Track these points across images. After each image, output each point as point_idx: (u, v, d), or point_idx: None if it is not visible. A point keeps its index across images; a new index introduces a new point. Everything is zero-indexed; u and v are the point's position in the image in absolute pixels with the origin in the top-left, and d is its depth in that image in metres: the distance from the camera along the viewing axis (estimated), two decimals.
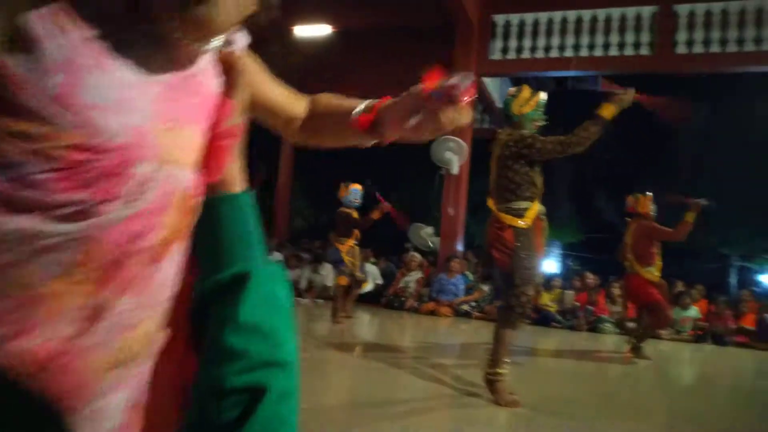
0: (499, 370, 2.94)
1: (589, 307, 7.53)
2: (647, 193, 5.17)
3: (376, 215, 6.01)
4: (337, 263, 6.09)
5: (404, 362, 3.98)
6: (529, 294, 2.90)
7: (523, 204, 2.99)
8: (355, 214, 6.03)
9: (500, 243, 2.99)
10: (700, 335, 6.93)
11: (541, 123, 3.14)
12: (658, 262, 5.10)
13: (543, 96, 3.14)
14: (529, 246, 2.94)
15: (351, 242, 6.08)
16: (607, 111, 2.90)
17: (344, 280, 6.07)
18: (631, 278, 5.15)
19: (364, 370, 3.67)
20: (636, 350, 5.12)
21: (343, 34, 9.50)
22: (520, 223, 2.96)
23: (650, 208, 5.11)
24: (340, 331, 5.55)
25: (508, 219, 2.99)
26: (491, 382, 2.95)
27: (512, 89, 3.20)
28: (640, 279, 5.06)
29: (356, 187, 6.03)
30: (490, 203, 3.12)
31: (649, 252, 5.05)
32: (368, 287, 8.73)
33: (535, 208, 3.01)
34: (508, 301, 2.92)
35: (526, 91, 3.12)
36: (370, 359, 4.04)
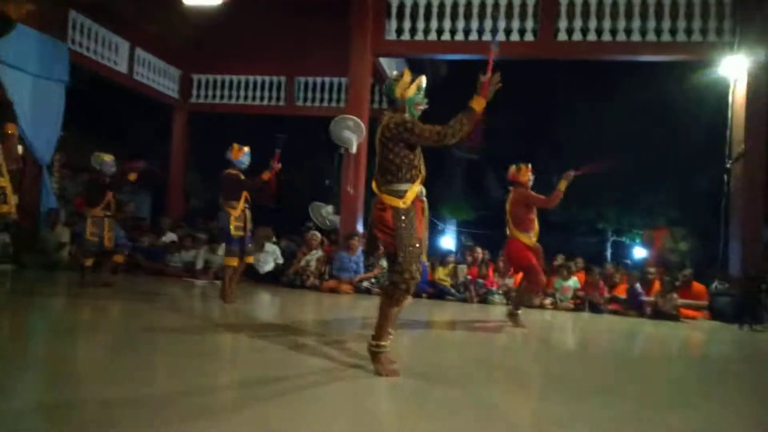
0: (382, 342, 3.08)
1: (480, 281, 7.98)
2: (528, 164, 5.55)
3: (266, 176, 5.85)
4: (230, 241, 5.85)
5: (301, 340, 4.03)
6: (413, 271, 3.00)
7: (403, 186, 3.08)
8: (242, 176, 5.86)
9: (382, 224, 3.10)
10: (579, 304, 7.56)
11: (423, 106, 3.24)
12: (536, 227, 5.49)
13: (423, 80, 3.24)
14: (409, 225, 3.05)
15: (241, 205, 5.85)
16: (476, 103, 3.07)
17: (234, 261, 5.88)
18: (510, 242, 5.52)
19: (257, 351, 3.66)
20: (512, 317, 5.47)
21: (236, 3, 9.18)
22: (401, 204, 3.06)
23: (529, 178, 5.50)
24: (237, 312, 5.49)
25: (389, 200, 3.08)
26: (374, 354, 3.09)
27: (395, 73, 3.29)
28: (517, 243, 5.43)
29: (248, 150, 5.91)
30: (374, 185, 3.21)
31: (526, 218, 5.42)
32: (268, 267, 8.67)
33: (415, 189, 3.11)
34: (392, 278, 3.04)
35: (407, 75, 3.21)
36: (268, 339, 4.05)
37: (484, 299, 7.73)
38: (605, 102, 15.67)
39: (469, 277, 8.07)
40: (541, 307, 7.50)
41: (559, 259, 8.28)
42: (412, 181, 3.10)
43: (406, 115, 3.13)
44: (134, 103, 12.26)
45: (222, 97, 11.78)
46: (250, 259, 6.18)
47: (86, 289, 6.23)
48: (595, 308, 7.45)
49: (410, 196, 3.08)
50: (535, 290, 5.78)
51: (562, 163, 7.89)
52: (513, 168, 5.58)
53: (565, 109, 16.76)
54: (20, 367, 2.98)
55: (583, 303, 7.56)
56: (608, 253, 18.96)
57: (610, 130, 15.15)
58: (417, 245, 3.05)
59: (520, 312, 5.54)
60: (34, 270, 7.93)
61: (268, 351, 3.64)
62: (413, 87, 3.17)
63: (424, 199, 3.24)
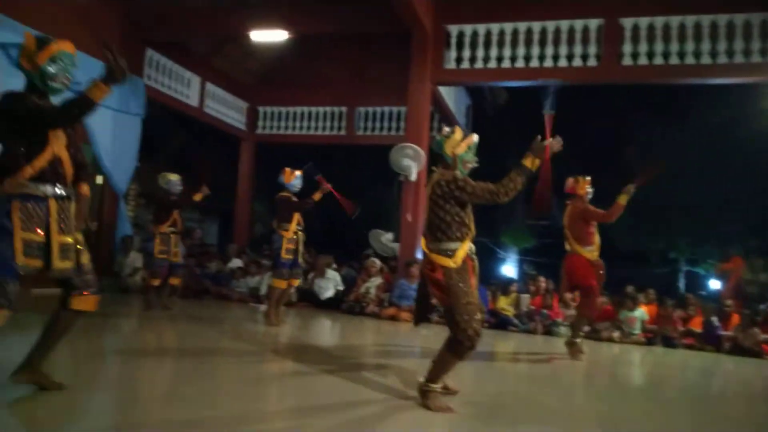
0: (433, 385, 3.03)
1: (544, 311, 7.72)
2: (586, 176, 5.37)
3: (317, 196, 6.12)
4: (280, 264, 6.07)
5: (359, 368, 4.01)
6: (475, 328, 2.92)
7: (453, 245, 3.03)
8: (294, 198, 6.10)
9: (433, 284, 3.05)
10: (650, 338, 7.18)
11: (472, 165, 3.21)
12: (597, 241, 5.27)
13: (475, 138, 3.21)
14: (463, 280, 2.99)
15: (293, 227, 6.07)
16: (530, 162, 3.03)
17: (282, 284, 6.09)
18: (570, 258, 5.29)
19: (314, 377, 3.67)
20: (570, 346, 5.25)
21: (300, 39, 9.58)
22: (451, 263, 3.00)
23: (587, 191, 5.31)
24: (296, 338, 5.54)
25: (439, 259, 3.02)
26: (424, 392, 3.03)
27: (445, 129, 3.25)
28: (578, 258, 5.21)
29: (300, 173, 6.20)
30: (422, 242, 3.17)
31: (585, 232, 5.21)
32: (328, 293, 8.76)
33: (465, 247, 3.06)
34: (456, 336, 2.95)
35: (459, 132, 3.18)
36: (326, 366, 4.06)
37: (549, 331, 7.46)
38: (676, 126, 15.08)
39: (533, 307, 7.84)
40: (610, 340, 7.16)
41: (630, 290, 7.91)
42: (461, 239, 3.05)
43: (457, 173, 3.10)
44: (204, 135, 12.84)
45: (286, 127, 12.16)
46: (296, 282, 6.43)
47: (152, 312, 6.52)
48: (668, 342, 7.05)
49: (461, 254, 3.03)
50: (590, 314, 5.49)
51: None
52: (571, 180, 5.41)
53: (633, 135, 16.23)
54: (93, 389, 3.12)
55: (655, 336, 7.17)
56: (681, 284, 18.02)
57: (681, 156, 14.53)
58: (473, 301, 2.99)
59: (578, 341, 5.29)
60: (110, 293, 8.32)
61: (326, 378, 3.64)
62: (463, 145, 3.15)
63: (474, 257, 3.18)
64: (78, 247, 2.71)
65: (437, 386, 3.03)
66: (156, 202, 7.07)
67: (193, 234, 11.03)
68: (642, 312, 7.41)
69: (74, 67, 2.71)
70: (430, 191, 3.12)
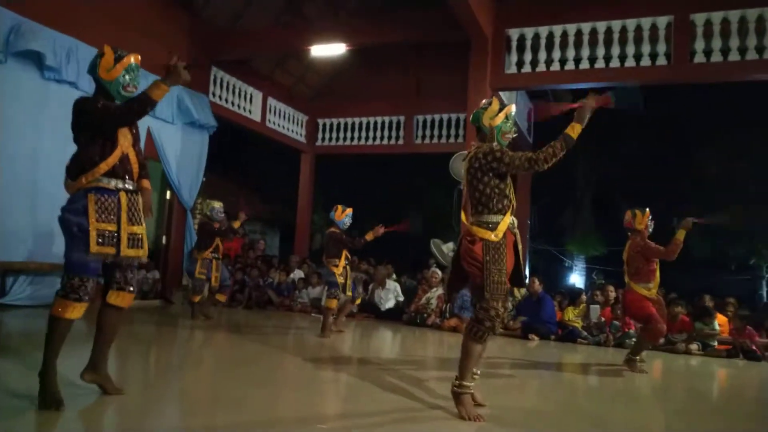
0: (465, 383, 2.96)
1: (615, 323, 7.38)
2: (646, 209, 5.15)
3: (369, 237, 6.28)
4: (332, 285, 6.28)
5: (416, 379, 3.95)
6: (499, 308, 2.86)
7: (494, 218, 2.97)
8: (344, 236, 6.30)
9: (470, 257, 2.98)
10: (731, 350, 6.73)
11: (511, 135, 3.14)
12: (656, 278, 5.07)
13: (513, 108, 3.15)
14: (499, 260, 2.91)
15: (342, 263, 6.32)
16: (572, 129, 2.90)
17: (334, 303, 6.26)
18: (627, 293, 5.16)
19: (368, 386, 3.64)
20: (629, 363, 5.08)
21: (357, 51, 9.68)
22: (492, 236, 2.93)
23: (646, 224, 5.09)
24: (357, 348, 5.53)
25: (480, 232, 2.96)
26: (457, 395, 2.96)
27: (484, 101, 3.20)
28: (635, 294, 5.05)
29: (350, 212, 6.38)
30: (462, 216, 3.12)
31: (646, 269, 5.02)
32: (389, 304, 8.74)
33: (507, 220, 2.98)
34: (477, 314, 2.91)
35: (496, 103, 3.12)
36: (381, 376, 4.02)
37: (620, 343, 7.11)
38: (754, 128, 14.18)
39: (603, 318, 7.50)
40: (687, 352, 6.76)
41: (707, 300, 7.45)
42: (503, 212, 2.98)
43: (494, 144, 3.03)
44: (266, 148, 13.16)
45: (344, 139, 12.29)
46: (357, 301, 6.80)
47: (197, 321, 6.81)
48: (751, 355, 6.58)
49: (502, 228, 2.95)
50: (655, 340, 5.28)
51: (704, 195, 7.25)
52: (629, 214, 5.20)
53: (707, 136, 15.39)
54: (156, 396, 3.20)
55: (736, 349, 6.71)
56: (764, 292, 16.87)
57: (760, 159, 13.66)
58: (505, 282, 2.91)
59: (638, 358, 5.09)
60: (179, 305, 8.62)
61: (378, 387, 3.59)
62: (501, 115, 3.09)
63: (516, 231, 3.09)
64: (142, 240, 2.89)
65: (469, 384, 2.97)
66: (199, 229, 7.33)
67: (257, 246, 11.29)
68: (715, 325, 6.97)
69: (140, 77, 2.99)
70: (468, 164, 3.07)
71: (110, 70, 2.86)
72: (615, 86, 3.48)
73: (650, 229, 5.12)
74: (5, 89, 6.40)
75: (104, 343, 2.91)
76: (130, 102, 2.77)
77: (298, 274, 9.82)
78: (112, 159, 2.77)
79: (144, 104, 2.73)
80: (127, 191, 2.84)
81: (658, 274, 5.09)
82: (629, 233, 5.21)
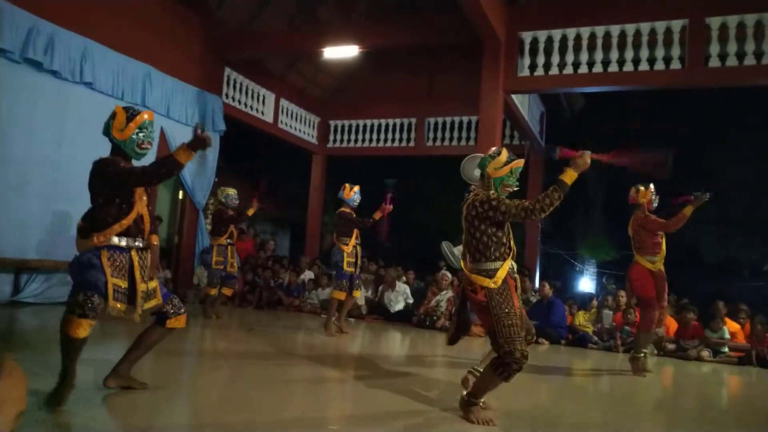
0: (475, 400, 3.01)
1: (626, 328, 7.33)
2: (649, 184, 5.27)
3: (377, 216, 6.31)
4: (340, 276, 6.25)
5: (424, 380, 3.94)
6: (521, 349, 2.85)
7: (492, 264, 2.96)
8: (354, 215, 6.30)
9: (478, 307, 3.00)
10: (743, 357, 6.66)
11: (512, 189, 3.13)
12: (662, 251, 5.18)
13: (519, 164, 3.10)
14: (505, 302, 2.91)
15: (353, 242, 6.29)
16: (568, 176, 2.87)
17: (342, 295, 6.27)
18: (633, 267, 5.28)
19: (375, 388, 3.65)
20: (633, 361, 5.14)
21: (369, 53, 9.70)
22: (491, 284, 2.93)
23: (649, 199, 5.23)
24: (365, 350, 5.53)
25: (479, 280, 2.97)
26: (466, 406, 3.00)
27: (493, 149, 3.17)
28: (640, 268, 5.20)
29: (358, 189, 6.41)
30: (462, 264, 3.11)
31: (650, 241, 5.17)
32: (398, 306, 8.73)
33: (506, 267, 2.98)
34: (504, 359, 2.88)
35: (504, 155, 3.09)
36: (387, 378, 4.02)
37: (630, 348, 7.05)
38: None
39: (614, 323, 7.45)
40: (698, 359, 6.70)
41: (721, 307, 7.37)
42: (502, 258, 2.98)
43: (491, 192, 3.03)
44: (277, 149, 13.21)
45: (356, 140, 12.32)
46: (357, 294, 6.59)
47: (208, 321, 6.82)
48: (764, 363, 6.50)
49: (501, 274, 2.95)
50: (647, 327, 5.27)
51: (717, 200, 7.17)
52: (633, 189, 5.37)
53: (722, 140, 15.22)
54: (169, 391, 3.24)
55: (750, 356, 6.63)
56: None
57: None
58: (516, 321, 2.90)
59: (641, 356, 5.13)
60: (190, 304, 8.67)
61: (388, 390, 3.59)
62: (506, 169, 3.06)
63: (516, 275, 3.11)
64: (156, 290, 3.00)
65: (479, 401, 3.02)
66: (214, 216, 7.40)
67: (267, 246, 11.33)
68: (725, 332, 6.91)
69: (153, 133, 3.03)
70: (465, 212, 3.07)
71: (123, 129, 2.87)
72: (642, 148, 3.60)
73: (655, 204, 5.26)
74: (22, 91, 6.48)
75: (138, 355, 3.04)
76: (157, 165, 2.80)
77: (308, 275, 9.85)
78: (127, 221, 2.82)
79: (170, 168, 2.78)
80: (137, 249, 2.90)
81: (664, 247, 5.21)
82: (634, 208, 5.35)
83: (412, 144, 11.79)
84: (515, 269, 3.10)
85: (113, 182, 2.79)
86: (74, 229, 2.85)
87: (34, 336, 5.15)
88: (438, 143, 11.53)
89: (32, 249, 6.66)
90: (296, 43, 9.65)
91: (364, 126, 12.23)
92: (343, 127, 12.51)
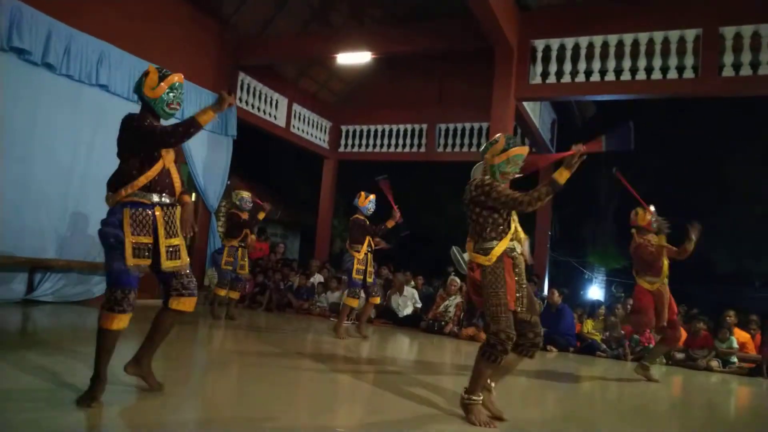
0: (474, 397, 3.03)
1: (635, 336, 7.31)
2: (650, 207, 5.34)
3: (390, 224, 6.38)
4: (353, 284, 6.36)
5: (433, 386, 3.96)
6: (506, 330, 2.91)
7: (487, 244, 3.05)
8: (368, 222, 6.39)
9: (473, 284, 3.11)
10: (753, 368, 6.61)
11: (511, 176, 3.20)
12: (664, 271, 5.25)
13: (518, 151, 3.14)
14: (495, 282, 2.98)
15: (365, 249, 6.38)
16: (560, 174, 2.91)
17: (354, 302, 6.38)
18: (635, 286, 5.42)
19: (385, 393, 3.66)
20: (643, 368, 5.32)
21: (380, 59, 9.77)
22: (485, 261, 3.02)
23: (647, 221, 5.29)
24: (373, 354, 5.56)
25: (477, 258, 3.07)
26: (466, 406, 3.03)
27: (496, 135, 3.25)
28: (638, 287, 5.33)
29: (374, 198, 6.50)
30: (468, 245, 3.18)
31: (653, 265, 5.22)
32: (407, 311, 8.76)
33: (503, 245, 3.04)
34: (488, 339, 2.96)
35: (501, 142, 3.15)
36: (398, 383, 4.04)
37: (640, 357, 7.03)
38: None
39: (623, 332, 7.43)
40: (708, 369, 6.67)
41: (732, 316, 7.34)
42: (498, 238, 3.06)
43: (486, 178, 3.11)
44: (289, 153, 13.31)
45: (367, 146, 12.37)
46: (377, 300, 6.65)
47: (216, 321, 6.95)
48: None
49: (496, 252, 3.03)
50: (638, 329, 5.64)
51: (729, 207, 7.14)
52: (632, 213, 5.47)
53: (733, 149, 15.15)
54: (175, 394, 3.27)
55: (760, 367, 6.59)
56: None
57: None
58: (505, 304, 2.95)
59: (648, 364, 5.37)
60: (200, 306, 8.73)
61: (394, 393, 3.61)
62: (503, 156, 3.14)
63: (517, 254, 3.13)
64: (179, 250, 2.97)
65: (478, 398, 3.03)
66: (228, 219, 7.48)
67: (277, 249, 11.40)
68: (734, 342, 6.87)
69: (183, 94, 3.09)
70: (464, 196, 3.19)
71: (155, 88, 2.94)
72: (607, 130, 3.54)
73: (654, 225, 5.27)
74: (35, 92, 6.55)
75: (155, 342, 3.03)
76: (177, 125, 2.84)
77: (317, 278, 9.89)
78: (152, 173, 2.86)
79: (189, 127, 2.82)
80: (163, 205, 2.91)
81: (665, 269, 5.26)
82: (635, 230, 5.43)
83: (422, 150, 11.82)
84: (518, 249, 3.13)
85: (136, 136, 2.84)
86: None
87: (47, 334, 5.22)
88: (449, 149, 11.56)
89: (46, 248, 6.75)
90: (309, 48, 9.73)
91: (375, 131, 12.29)
92: (354, 132, 12.58)
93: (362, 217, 6.43)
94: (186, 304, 2.98)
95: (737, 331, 7.11)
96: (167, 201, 2.94)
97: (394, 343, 7.04)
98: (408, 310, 8.77)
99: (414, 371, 4.77)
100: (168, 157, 2.94)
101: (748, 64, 7.26)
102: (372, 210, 6.49)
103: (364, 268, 6.39)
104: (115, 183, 2.86)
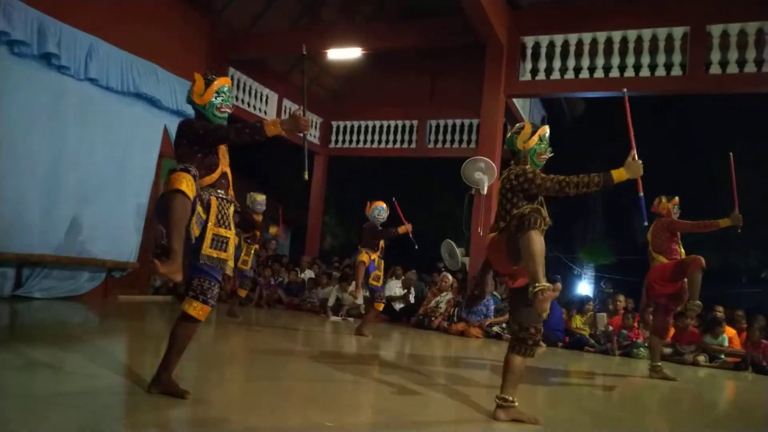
0: (508, 398, 2.95)
1: (624, 332, 7.38)
2: (674, 197, 5.46)
3: (402, 230, 6.55)
4: (375, 289, 6.55)
5: (428, 384, 3.98)
6: (536, 325, 2.91)
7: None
8: (380, 227, 6.51)
9: (499, 251, 3.01)
10: (739, 363, 6.71)
11: (546, 155, 3.18)
12: (680, 254, 5.33)
13: (546, 130, 3.17)
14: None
15: (376, 255, 6.50)
16: (618, 174, 2.91)
17: (380, 306, 6.59)
18: (650, 270, 5.40)
19: (385, 391, 3.67)
20: (655, 371, 5.29)
21: (372, 55, 9.77)
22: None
23: (668, 209, 5.42)
24: (370, 350, 5.58)
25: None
26: (501, 407, 2.96)
27: (517, 125, 3.24)
28: (656, 269, 5.31)
29: (380, 204, 6.59)
30: (491, 233, 3.12)
31: (668, 247, 5.32)
32: (393, 293, 8.87)
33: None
34: (516, 335, 2.96)
35: (528, 126, 3.17)
36: (398, 378, 4.06)
37: (627, 352, 7.12)
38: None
39: (611, 327, 7.50)
40: (694, 364, 6.75)
41: (719, 311, 7.44)
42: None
43: (528, 166, 3.06)
44: (279, 149, 13.25)
45: (358, 141, 12.36)
46: (380, 307, 6.78)
47: (233, 318, 6.93)
48: (759, 368, 6.55)
49: None
50: (659, 334, 5.49)
51: (719, 204, 7.21)
52: (656, 200, 5.56)
53: (723, 146, 15.23)
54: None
55: (746, 362, 6.69)
56: None
57: None
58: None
59: (659, 364, 5.35)
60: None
61: (394, 393, 3.63)
62: (535, 138, 3.13)
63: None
64: (231, 244, 2.89)
65: (512, 399, 2.95)
66: (241, 218, 7.46)
67: (269, 245, 11.38)
68: (725, 339, 6.96)
69: (231, 98, 3.12)
70: (501, 186, 3.10)
71: (202, 95, 3.00)
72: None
73: (676, 216, 5.42)
74: (24, 86, 6.50)
75: (174, 354, 2.85)
76: (244, 125, 2.86)
77: (308, 274, 9.90)
78: (210, 179, 2.86)
79: (254, 134, 2.83)
80: (218, 197, 2.87)
81: (681, 253, 5.35)
82: (655, 218, 5.51)
83: (413, 146, 11.83)
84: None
85: (200, 138, 2.84)
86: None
87: (38, 330, 5.19)
88: (439, 145, 11.58)
89: (34, 244, 6.68)
90: (300, 43, 9.66)
91: (366, 127, 12.27)
92: (345, 127, 12.55)
93: (372, 223, 6.57)
94: (196, 310, 2.77)
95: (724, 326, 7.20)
96: (224, 197, 2.91)
97: (387, 339, 7.05)
98: (393, 293, 8.90)
99: (407, 368, 4.80)
100: (225, 161, 2.96)
101: (734, 61, 7.34)
102: (380, 217, 6.56)
103: (380, 274, 6.55)
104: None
